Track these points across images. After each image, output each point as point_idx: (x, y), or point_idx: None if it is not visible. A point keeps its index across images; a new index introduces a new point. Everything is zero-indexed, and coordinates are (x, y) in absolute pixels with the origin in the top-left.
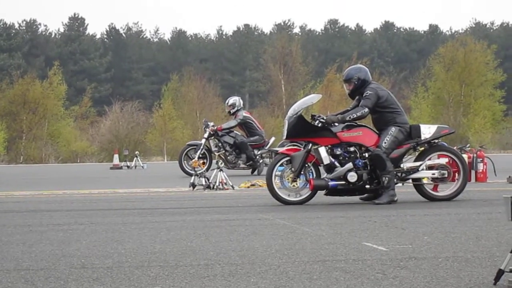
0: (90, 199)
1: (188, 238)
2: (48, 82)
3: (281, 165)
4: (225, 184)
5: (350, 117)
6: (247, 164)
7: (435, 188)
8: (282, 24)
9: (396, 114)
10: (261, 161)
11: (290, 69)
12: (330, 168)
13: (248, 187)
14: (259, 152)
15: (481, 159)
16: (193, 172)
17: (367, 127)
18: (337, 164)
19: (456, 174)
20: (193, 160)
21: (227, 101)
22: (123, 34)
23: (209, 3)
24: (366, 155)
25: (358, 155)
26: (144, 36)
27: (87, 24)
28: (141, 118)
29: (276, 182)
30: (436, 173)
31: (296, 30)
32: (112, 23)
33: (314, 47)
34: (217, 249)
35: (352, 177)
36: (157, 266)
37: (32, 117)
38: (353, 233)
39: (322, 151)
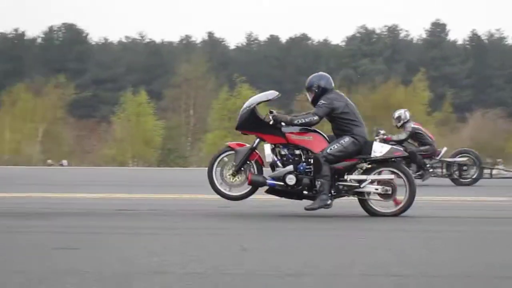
0: None
1: None
2: (412, 88)
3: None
4: None
5: (298, 122)
6: (417, 173)
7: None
8: None
9: (353, 125)
10: (430, 170)
11: None
12: (272, 166)
13: None
14: (430, 162)
15: None
16: None
17: (320, 133)
18: (279, 164)
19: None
20: None
21: (393, 115)
22: (485, 41)
23: None
24: (311, 161)
25: (303, 159)
26: (506, 43)
27: (449, 30)
28: (502, 125)
29: (217, 176)
30: (379, 188)
31: None
32: (474, 29)
33: None
34: None
35: (291, 180)
36: None
37: None
38: None
39: (267, 148)
